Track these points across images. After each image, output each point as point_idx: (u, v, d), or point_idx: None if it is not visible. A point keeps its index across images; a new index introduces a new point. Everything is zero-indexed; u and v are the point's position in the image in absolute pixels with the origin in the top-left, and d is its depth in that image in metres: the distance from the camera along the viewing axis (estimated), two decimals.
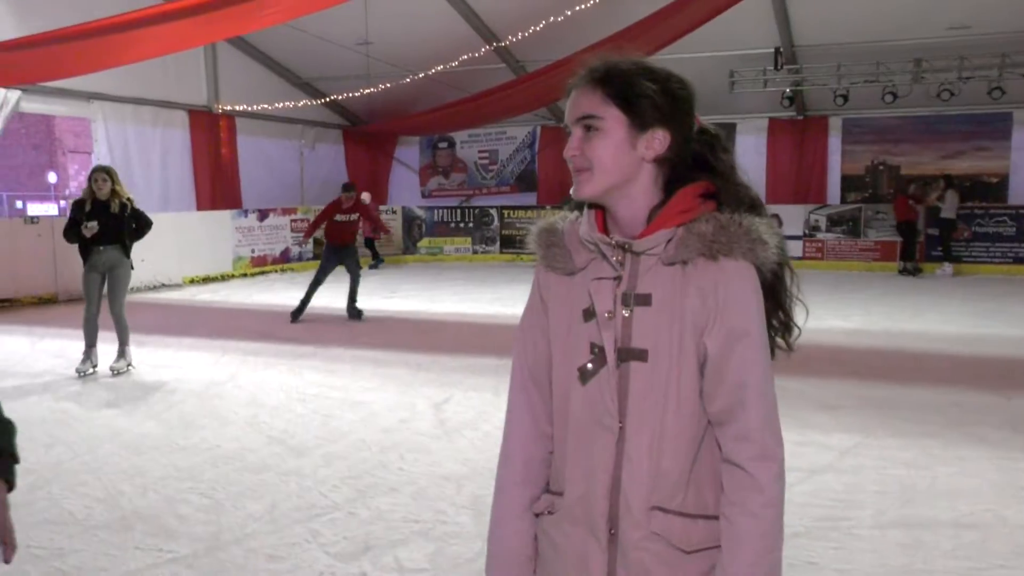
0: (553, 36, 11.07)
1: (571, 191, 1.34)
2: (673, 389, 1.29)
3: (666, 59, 11.89)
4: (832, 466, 4.21)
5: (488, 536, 1.48)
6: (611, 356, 1.30)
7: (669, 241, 1.29)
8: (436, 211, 16.54)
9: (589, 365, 1.31)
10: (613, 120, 1.29)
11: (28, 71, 8.66)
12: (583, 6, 10.14)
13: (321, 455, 4.47)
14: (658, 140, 1.29)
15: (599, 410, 1.31)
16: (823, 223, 14.22)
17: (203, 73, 13.57)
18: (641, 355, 1.29)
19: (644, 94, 1.28)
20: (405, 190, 17.48)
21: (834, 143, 14.53)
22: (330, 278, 9.35)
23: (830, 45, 12.18)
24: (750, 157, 14.80)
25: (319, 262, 9.74)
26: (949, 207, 12.87)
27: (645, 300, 1.29)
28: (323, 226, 9.39)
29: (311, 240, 15.33)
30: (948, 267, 12.92)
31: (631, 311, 1.30)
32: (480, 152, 17.00)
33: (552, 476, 1.43)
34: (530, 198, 16.19)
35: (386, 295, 11.25)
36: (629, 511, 1.30)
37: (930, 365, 6.63)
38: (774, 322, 1.38)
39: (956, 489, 3.87)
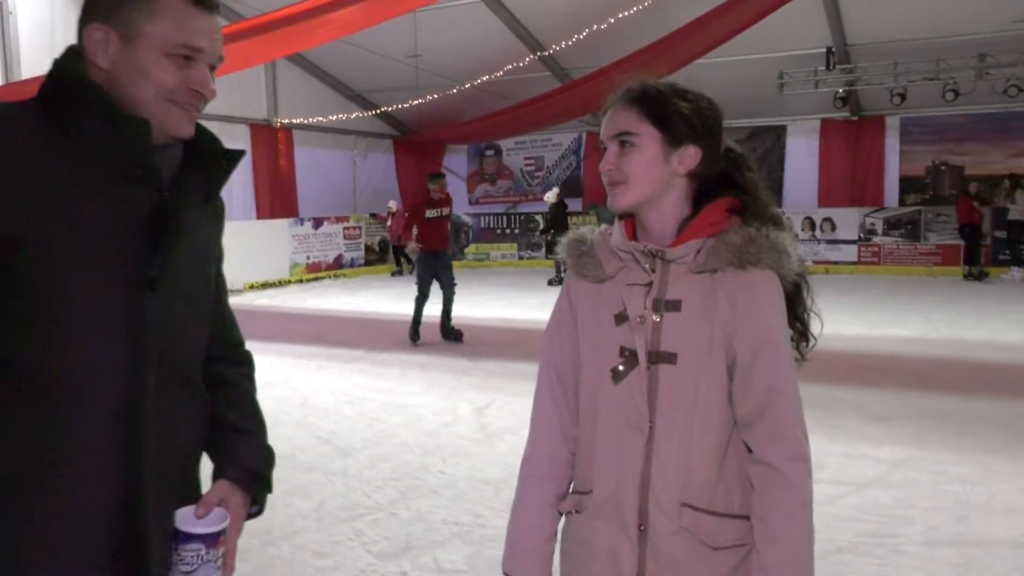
0: (597, 43, 11.08)
1: (607, 203, 1.42)
2: (701, 391, 1.35)
3: (713, 63, 11.90)
4: (881, 480, 4.09)
5: (507, 529, 1.52)
6: (642, 358, 1.36)
7: (699, 251, 1.35)
8: (483, 217, 16.67)
9: (621, 367, 1.37)
10: (648, 136, 1.36)
11: None
12: (625, 13, 10.13)
13: (366, 456, 4.58)
14: (689, 156, 1.37)
15: (629, 410, 1.37)
16: (880, 226, 13.80)
17: (264, 89, 14.10)
18: (671, 358, 1.35)
19: (678, 113, 1.36)
20: (453, 197, 17.63)
21: (891, 144, 14.06)
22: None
23: (886, 42, 11.83)
24: (801, 160, 14.53)
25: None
26: (1019, 208, 12.37)
27: (675, 306, 1.36)
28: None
29: (363, 246, 15.62)
30: (1017, 271, 12.35)
31: (661, 316, 1.36)
32: (526, 159, 17.08)
33: (577, 476, 1.48)
34: (576, 204, 16.19)
35: (434, 301, 11.37)
36: (659, 507, 1.35)
37: (993, 375, 6.34)
38: (791, 332, 1.43)
39: (1015, 507, 3.70)
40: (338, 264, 15.17)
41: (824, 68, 12.01)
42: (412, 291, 8.30)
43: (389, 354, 7.60)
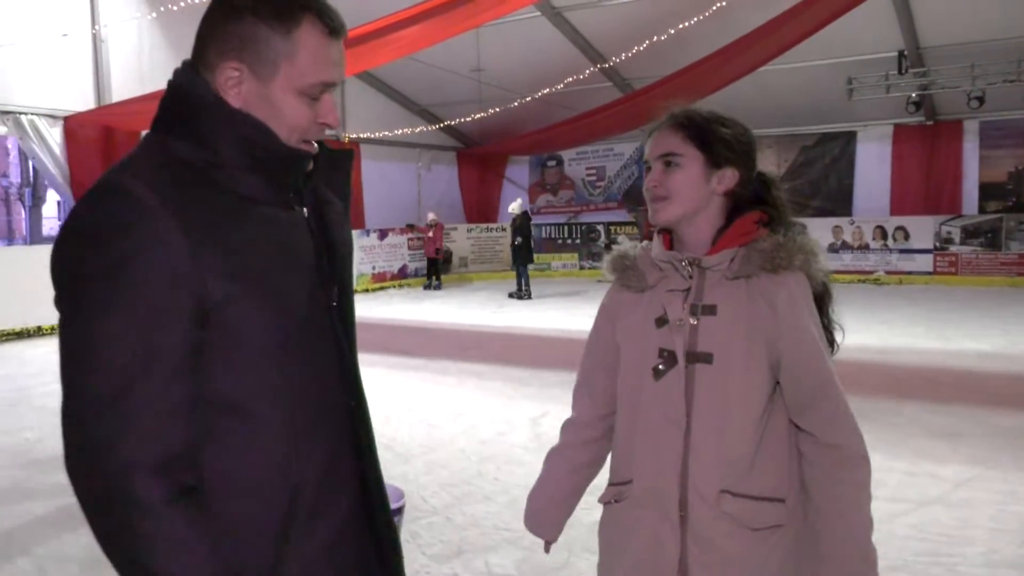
0: (659, 54, 11.05)
1: (649, 217, 1.55)
2: (736, 389, 1.46)
3: (779, 69, 11.75)
4: (943, 498, 3.97)
5: (530, 491, 1.75)
6: (681, 358, 1.48)
7: (733, 259, 1.48)
8: (544, 228, 16.76)
9: (661, 366, 1.50)
10: (691, 158, 1.50)
11: None
12: (685, 24, 10.08)
13: (424, 462, 4.71)
14: (728, 177, 1.52)
15: (667, 407, 1.49)
16: (957, 235, 13.26)
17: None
18: (707, 358, 1.47)
19: (719, 138, 1.51)
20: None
21: (969, 149, 13.50)
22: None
23: (962, 44, 11.41)
24: (872, 167, 14.11)
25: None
26: None
27: (711, 310, 1.48)
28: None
29: (424, 258, 15.87)
30: None
31: (698, 319, 1.49)
32: (588, 169, 17.11)
33: (615, 468, 1.62)
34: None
35: (494, 309, 11.54)
36: (698, 495, 1.46)
37: None
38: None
39: None
40: (402, 274, 15.49)
41: (896, 72, 11.68)
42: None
43: (449, 362, 7.76)
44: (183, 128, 1.10)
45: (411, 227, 15.64)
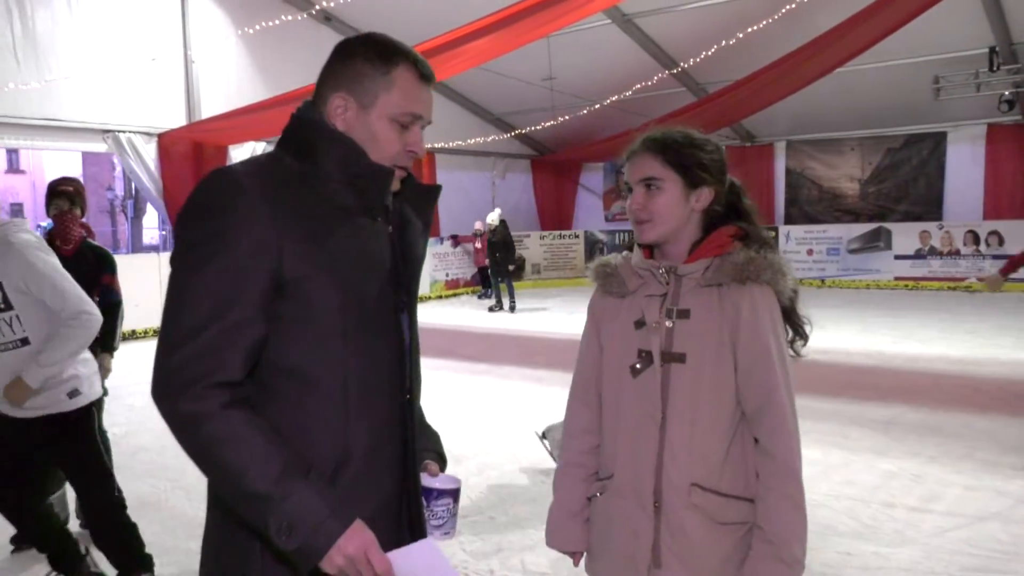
0: (733, 57, 10.89)
1: (635, 237, 1.69)
2: (707, 387, 1.57)
3: (860, 69, 11.36)
4: (1002, 514, 3.81)
5: (549, 509, 1.81)
6: (656, 358, 1.60)
7: (707, 268, 1.59)
8: (618, 234, 16.67)
9: (638, 364, 1.62)
10: (671, 181, 1.61)
11: (269, 127, 10.25)
12: (755, 27, 9.90)
13: (476, 463, 4.83)
14: (704, 196, 1.63)
15: (645, 402, 1.61)
16: None
17: None
18: (681, 358, 1.59)
19: (696, 161, 1.62)
20: (590, 214, 17.85)
21: None
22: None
23: None
24: (964, 168, 13.42)
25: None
26: None
27: (685, 314, 1.60)
28: None
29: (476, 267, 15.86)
30: None
31: (673, 322, 1.60)
32: None
33: (601, 464, 1.73)
34: None
35: (564, 316, 11.58)
36: (671, 487, 1.57)
37: None
38: (789, 332, 1.67)
39: None
40: (476, 281, 15.71)
41: (987, 70, 11.10)
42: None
43: (512, 368, 7.88)
44: (295, 145, 1.36)
45: (454, 238, 15.34)
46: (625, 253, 1.76)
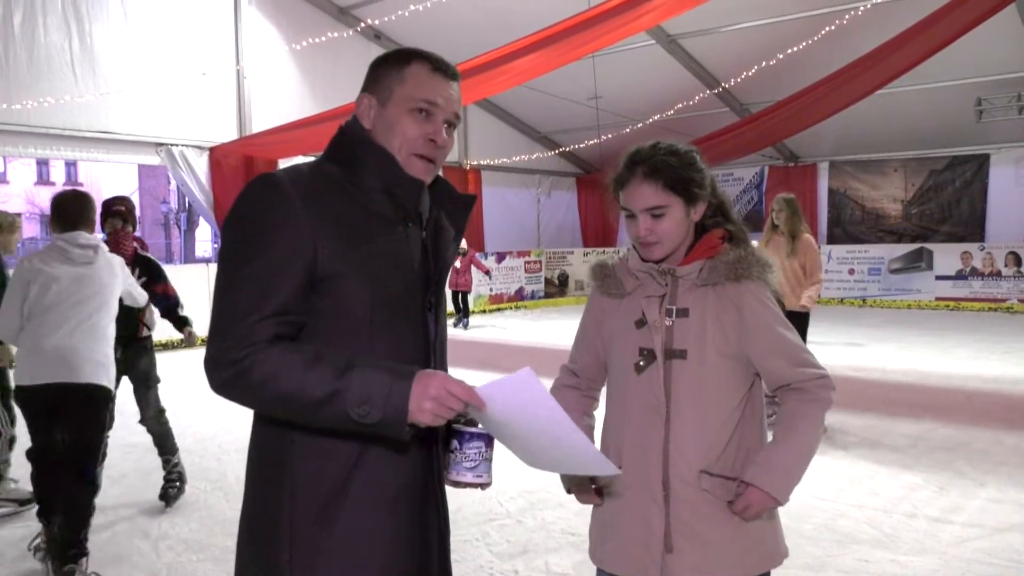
0: (773, 78, 10.96)
1: (641, 255, 1.77)
2: (708, 380, 1.70)
3: (903, 91, 11.28)
4: (1022, 526, 3.84)
5: None
6: (659, 355, 1.72)
7: (701, 269, 1.73)
8: None
9: (641, 362, 1.74)
10: (676, 205, 1.72)
11: (318, 142, 10.56)
12: (796, 48, 9.95)
13: (507, 468, 4.93)
14: (700, 208, 1.76)
15: (649, 398, 1.73)
16: None
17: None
18: (682, 354, 1.71)
19: (692, 180, 1.72)
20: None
21: None
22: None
23: None
24: (1007, 191, 13.23)
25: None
26: None
27: (684, 313, 1.73)
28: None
29: (543, 279, 16.17)
30: None
31: (673, 321, 1.73)
32: None
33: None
34: (757, 238, 15.65)
35: None
36: (679, 476, 1.70)
37: None
38: None
39: None
40: (519, 296, 15.88)
41: None
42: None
43: (549, 380, 7.93)
44: (338, 155, 1.48)
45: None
46: (622, 255, 1.88)
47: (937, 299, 13.47)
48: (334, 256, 1.35)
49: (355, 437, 1.37)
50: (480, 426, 1.44)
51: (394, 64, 1.47)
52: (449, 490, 1.55)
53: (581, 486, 1.83)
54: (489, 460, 1.44)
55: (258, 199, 1.38)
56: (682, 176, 1.70)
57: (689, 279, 1.73)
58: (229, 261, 1.37)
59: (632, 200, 1.72)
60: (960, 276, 13.21)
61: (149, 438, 4.62)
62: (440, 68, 1.47)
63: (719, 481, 1.68)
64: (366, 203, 1.42)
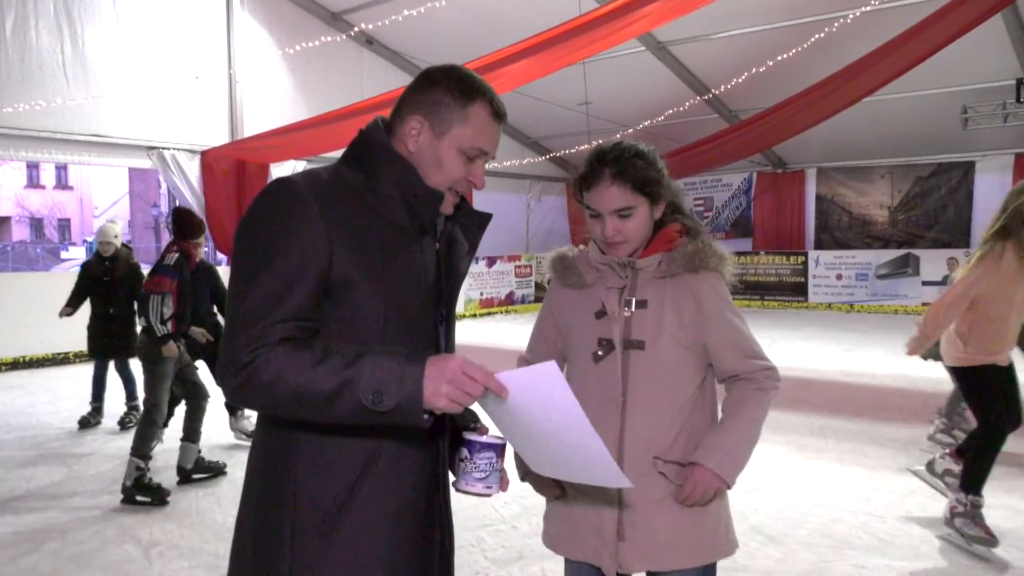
0: (763, 85, 11.03)
1: (606, 252, 1.81)
2: (665, 370, 1.76)
3: (888, 99, 11.40)
4: (1016, 531, 3.90)
5: None
6: (617, 345, 1.77)
7: (660, 262, 1.79)
8: None
9: (599, 352, 1.79)
10: (642, 206, 1.77)
11: (310, 146, 10.59)
12: (785, 56, 10.04)
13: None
14: (662, 206, 1.82)
15: (607, 387, 1.78)
16: None
17: None
18: (640, 345, 1.76)
19: (656, 181, 1.77)
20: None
21: None
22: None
23: None
24: (992, 197, 13.28)
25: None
26: None
27: (643, 304, 1.78)
28: None
29: (533, 284, 16.26)
30: None
31: (632, 312, 1.78)
32: (696, 200, 17.01)
33: None
34: (745, 244, 15.87)
35: None
36: (634, 464, 1.74)
37: None
38: None
39: None
40: (509, 300, 15.91)
41: (1014, 101, 11.08)
42: None
43: None
44: (356, 160, 1.45)
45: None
46: (581, 247, 1.93)
47: (924, 304, 13.57)
48: (349, 264, 1.34)
49: (368, 434, 1.36)
50: (491, 433, 1.42)
51: (458, 97, 1.42)
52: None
53: (540, 476, 1.80)
54: (499, 471, 1.43)
55: (275, 204, 1.36)
56: (649, 177, 1.74)
57: (648, 271, 1.79)
58: (244, 267, 1.35)
59: (599, 202, 1.74)
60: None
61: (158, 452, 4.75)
62: (499, 116, 1.46)
63: (672, 468, 1.74)
64: (383, 212, 1.41)
